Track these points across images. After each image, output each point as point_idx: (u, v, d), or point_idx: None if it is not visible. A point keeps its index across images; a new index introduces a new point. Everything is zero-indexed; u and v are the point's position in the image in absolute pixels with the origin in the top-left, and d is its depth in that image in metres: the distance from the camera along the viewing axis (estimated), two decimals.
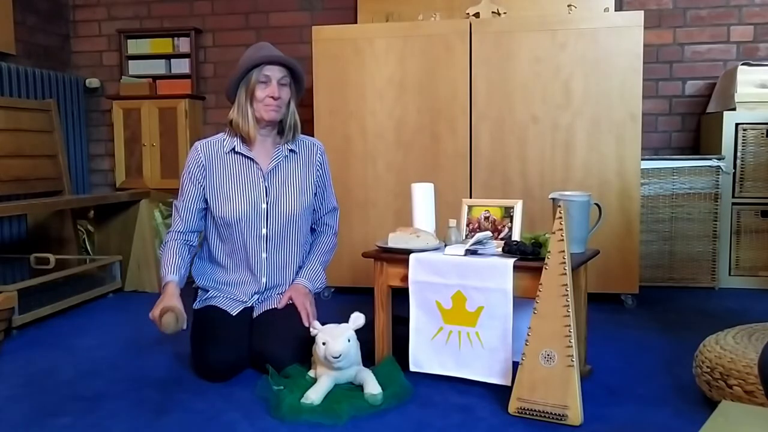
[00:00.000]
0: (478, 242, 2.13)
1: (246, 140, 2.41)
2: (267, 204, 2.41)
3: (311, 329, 2.11)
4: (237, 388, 2.14)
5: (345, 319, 2.12)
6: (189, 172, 2.43)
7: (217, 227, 2.44)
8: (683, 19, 3.93)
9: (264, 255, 2.43)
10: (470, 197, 3.18)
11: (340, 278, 3.37)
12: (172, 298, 2.21)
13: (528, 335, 1.90)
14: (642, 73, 3.06)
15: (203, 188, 2.41)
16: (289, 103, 2.41)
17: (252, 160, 2.41)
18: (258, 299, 2.46)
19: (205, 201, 2.42)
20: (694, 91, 3.96)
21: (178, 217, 2.44)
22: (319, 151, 2.54)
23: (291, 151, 2.46)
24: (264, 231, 2.41)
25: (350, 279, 3.38)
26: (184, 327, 2.17)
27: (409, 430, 1.82)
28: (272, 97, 2.34)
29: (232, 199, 2.39)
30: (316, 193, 2.52)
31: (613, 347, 2.54)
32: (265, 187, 2.42)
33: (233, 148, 2.41)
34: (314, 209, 2.55)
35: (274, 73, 2.35)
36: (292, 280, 2.49)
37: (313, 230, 2.60)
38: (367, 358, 2.20)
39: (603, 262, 3.03)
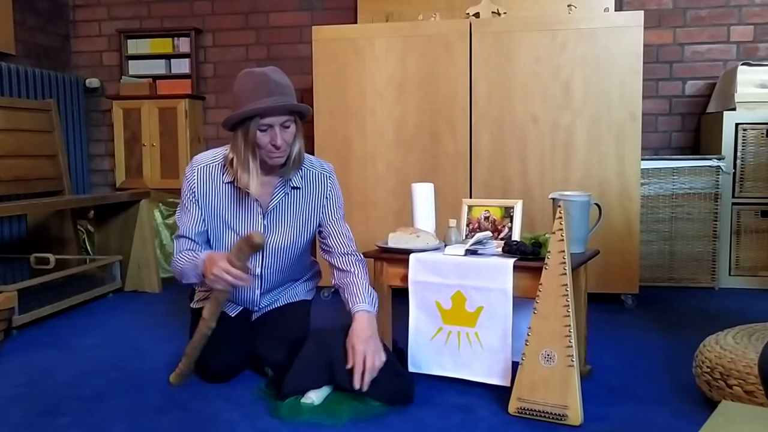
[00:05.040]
0: (478, 242, 2.13)
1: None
2: (264, 243, 2.22)
3: None
4: (237, 388, 2.14)
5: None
6: (185, 197, 2.23)
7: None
8: (683, 19, 3.94)
9: (258, 292, 2.33)
10: (470, 197, 3.18)
11: None
12: (221, 256, 2.03)
13: (528, 335, 1.90)
14: (642, 73, 3.06)
15: (202, 210, 2.23)
16: (294, 139, 2.13)
17: (251, 195, 2.20)
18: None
19: (205, 222, 2.25)
20: (694, 91, 3.96)
21: (184, 241, 2.22)
22: (328, 183, 2.27)
23: (294, 188, 2.23)
24: (259, 271, 2.27)
25: None
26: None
27: (409, 430, 1.82)
28: (275, 146, 2.08)
29: (227, 233, 2.23)
30: (323, 228, 2.29)
31: (613, 347, 2.54)
32: (264, 225, 2.23)
33: (232, 181, 2.18)
34: (326, 249, 2.29)
35: (275, 119, 2.06)
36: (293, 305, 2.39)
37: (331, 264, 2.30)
38: None
39: (603, 262, 3.03)
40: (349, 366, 1.95)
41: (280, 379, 2.01)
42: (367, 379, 1.94)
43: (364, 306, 2.08)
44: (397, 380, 1.99)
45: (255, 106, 2.02)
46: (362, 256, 2.27)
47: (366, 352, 1.95)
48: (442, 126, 3.25)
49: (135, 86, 4.41)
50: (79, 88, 4.52)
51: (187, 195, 2.23)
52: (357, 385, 1.93)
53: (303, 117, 2.16)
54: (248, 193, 2.17)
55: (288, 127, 2.09)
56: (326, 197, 2.27)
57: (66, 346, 2.66)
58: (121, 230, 3.67)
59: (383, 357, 1.98)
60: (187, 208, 2.23)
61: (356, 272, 2.20)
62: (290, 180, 2.21)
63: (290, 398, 1.94)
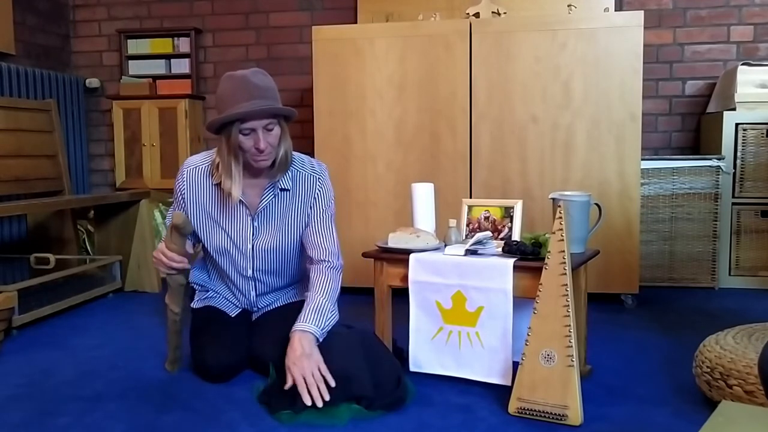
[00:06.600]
0: (478, 242, 2.13)
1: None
2: (253, 245, 2.24)
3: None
4: (237, 388, 2.14)
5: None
6: (174, 200, 2.30)
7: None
8: (683, 19, 3.94)
9: (253, 294, 2.36)
10: (470, 197, 3.18)
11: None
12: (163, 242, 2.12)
13: (528, 335, 1.90)
14: (642, 73, 3.06)
15: (187, 214, 2.24)
16: (280, 141, 2.12)
17: (239, 200, 2.20)
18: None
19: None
20: (694, 91, 3.96)
21: None
22: (317, 184, 2.24)
23: (283, 190, 2.21)
24: (251, 272, 2.29)
25: (350, 279, 3.36)
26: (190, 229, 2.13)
27: (409, 430, 1.82)
28: (258, 149, 2.06)
29: (218, 233, 2.25)
30: (305, 234, 2.24)
31: (613, 347, 2.53)
32: (254, 227, 2.23)
33: (220, 183, 2.18)
34: (310, 252, 2.23)
35: (257, 122, 2.04)
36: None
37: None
38: None
39: (603, 262, 3.03)
40: (288, 386, 1.92)
41: (279, 389, 1.98)
42: (315, 393, 1.89)
43: (299, 325, 2.03)
44: (399, 388, 1.98)
45: (235, 111, 2.02)
46: (340, 261, 2.21)
47: (303, 372, 1.91)
48: (442, 126, 3.25)
49: (135, 86, 4.41)
50: (79, 88, 4.52)
51: (176, 198, 2.30)
52: (309, 402, 1.87)
53: (288, 119, 2.14)
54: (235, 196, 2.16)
55: (271, 130, 2.08)
56: (314, 198, 2.25)
57: (66, 346, 2.66)
58: (121, 230, 3.68)
59: (322, 366, 1.94)
60: (172, 211, 2.32)
61: (317, 286, 2.13)
62: (279, 182, 2.21)
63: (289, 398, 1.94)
